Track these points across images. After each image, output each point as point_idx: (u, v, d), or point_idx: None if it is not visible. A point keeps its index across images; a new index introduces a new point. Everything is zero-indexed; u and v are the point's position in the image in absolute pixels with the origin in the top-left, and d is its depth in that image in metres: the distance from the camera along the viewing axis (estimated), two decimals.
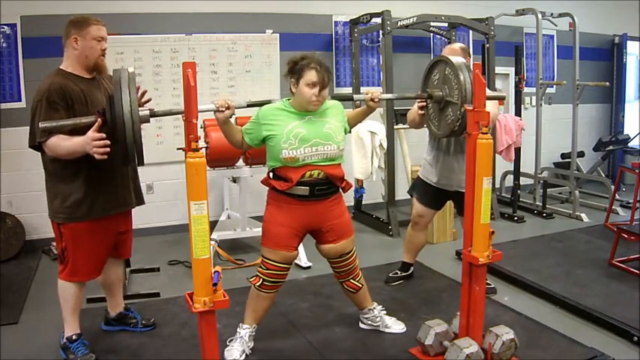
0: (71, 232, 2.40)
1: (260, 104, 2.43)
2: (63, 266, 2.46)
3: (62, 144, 2.19)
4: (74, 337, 2.50)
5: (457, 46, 3.12)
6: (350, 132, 2.64)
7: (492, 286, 3.30)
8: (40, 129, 1.97)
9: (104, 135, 2.03)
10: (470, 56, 3.10)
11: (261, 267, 2.48)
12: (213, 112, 2.20)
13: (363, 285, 2.71)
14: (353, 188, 5.09)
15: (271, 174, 2.47)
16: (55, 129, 1.99)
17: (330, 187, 2.46)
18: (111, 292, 2.80)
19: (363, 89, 5.27)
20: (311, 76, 2.33)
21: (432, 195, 3.25)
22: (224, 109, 2.18)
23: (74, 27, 2.36)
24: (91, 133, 2.06)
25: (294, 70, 2.38)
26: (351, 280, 2.66)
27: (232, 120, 3.82)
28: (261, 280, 2.47)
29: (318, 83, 2.33)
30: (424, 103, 2.73)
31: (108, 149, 2.04)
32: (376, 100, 2.48)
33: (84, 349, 2.50)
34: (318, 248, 2.61)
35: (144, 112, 1.92)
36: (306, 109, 2.39)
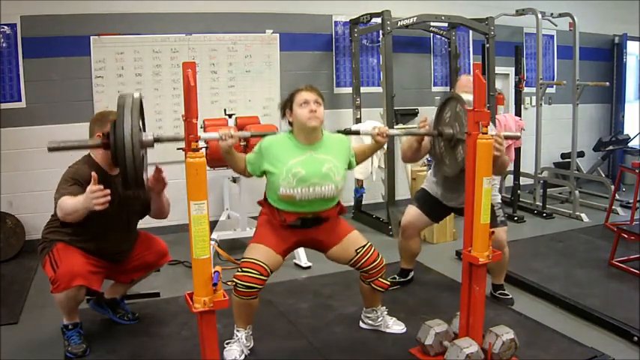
0: (57, 249, 2.50)
1: (263, 135, 2.49)
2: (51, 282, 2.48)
3: (68, 202, 2.23)
4: (70, 326, 2.56)
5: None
6: (355, 166, 2.65)
7: (510, 296, 3.19)
8: (47, 147, 1.96)
9: (102, 186, 2.08)
10: None
11: (238, 270, 2.39)
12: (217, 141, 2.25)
13: (389, 283, 2.69)
14: (353, 188, 5.10)
15: (269, 199, 2.52)
16: (60, 148, 1.99)
17: (325, 219, 2.52)
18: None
19: (364, 88, 5.28)
20: (301, 96, 2.39)
21: (434, 206, 3.22)
22: (227, 137, 2.21)
23: (96, 124, 2.51)
24: (89, 187, 2.08)
25: (286, 103, 2.47)
26: (380, 279, 2.60)
27: (233, 120, 3.81)
28: (234, 283, 2.35)
29: (310, 100, 2.37)
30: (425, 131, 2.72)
31: (108, 198, 2.08)
32: (384, 135, 2.49)
33: (77, 339, 2.54)
34: (330, 256, 2.61)
35: (147, 137, 1.91)
36: (307, 130, 2.40)
